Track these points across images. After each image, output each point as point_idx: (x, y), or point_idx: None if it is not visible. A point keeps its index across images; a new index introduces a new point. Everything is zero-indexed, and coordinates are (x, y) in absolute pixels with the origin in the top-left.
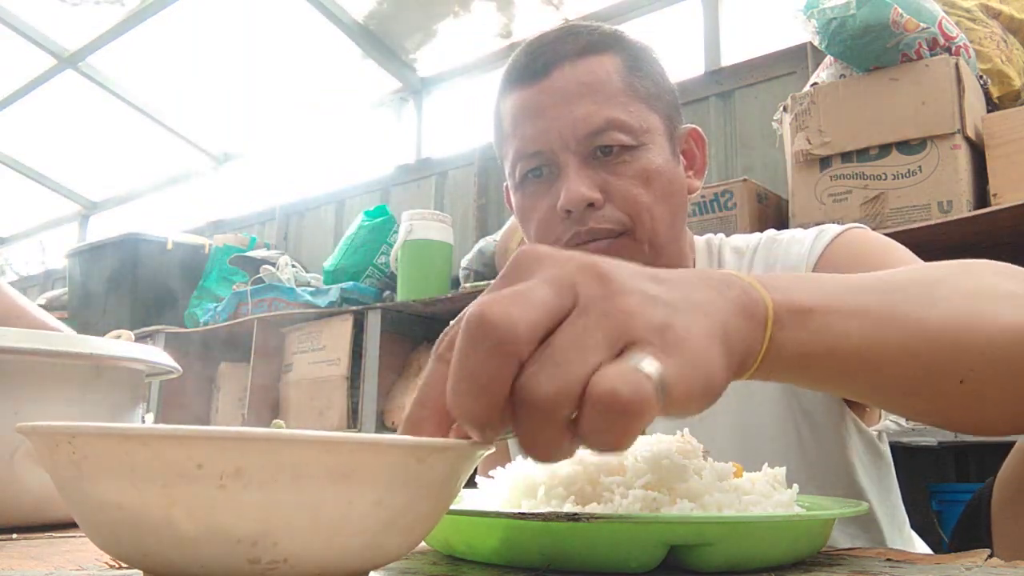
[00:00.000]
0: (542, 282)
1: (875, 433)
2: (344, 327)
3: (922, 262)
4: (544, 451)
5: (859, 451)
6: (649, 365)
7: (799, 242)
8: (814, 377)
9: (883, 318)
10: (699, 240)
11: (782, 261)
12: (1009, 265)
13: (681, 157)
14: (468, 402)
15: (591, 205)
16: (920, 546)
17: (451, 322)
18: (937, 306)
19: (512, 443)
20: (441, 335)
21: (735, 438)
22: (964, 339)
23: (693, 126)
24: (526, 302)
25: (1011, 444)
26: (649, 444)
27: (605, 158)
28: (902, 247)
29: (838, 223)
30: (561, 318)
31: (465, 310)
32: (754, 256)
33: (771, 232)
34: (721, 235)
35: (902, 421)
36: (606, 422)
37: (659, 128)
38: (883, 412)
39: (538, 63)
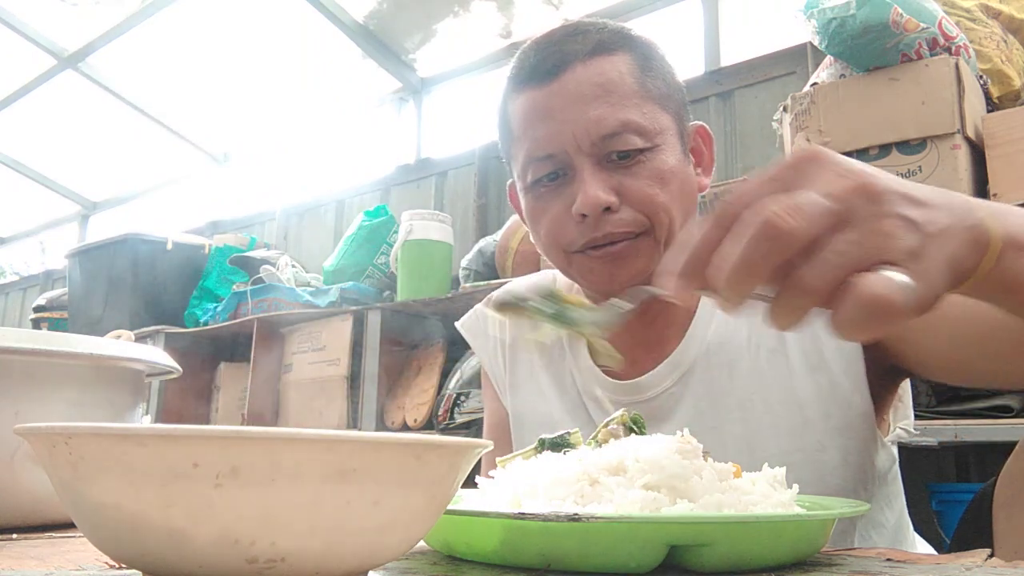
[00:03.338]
0: (822, 196)
1: (890, 444)
2: (344, 327)
3: None
4: (789, 323)
5: (880, 462)
6: (904, 279)
7: None
8: (1018, 300)
9: None
10: None
11: None
12: None
13: (690, 155)
14: (739, 276)
15: (607, 209)
16: (923, 549)
17: (733, 194)
18: None
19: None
20: (723, 206)
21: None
22: None
23: (700, 123)
24: (807, 217)
25: (1012, 444)
26: (649, 444)
27: (620, 161)
28: None
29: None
30: (832, 228)
31: (749, 192)
32: None
33: None
34: None
35: (911, 428)
36: (865, 314)
37: (671, 128)
38: (893, 422)
39: (548, 63)
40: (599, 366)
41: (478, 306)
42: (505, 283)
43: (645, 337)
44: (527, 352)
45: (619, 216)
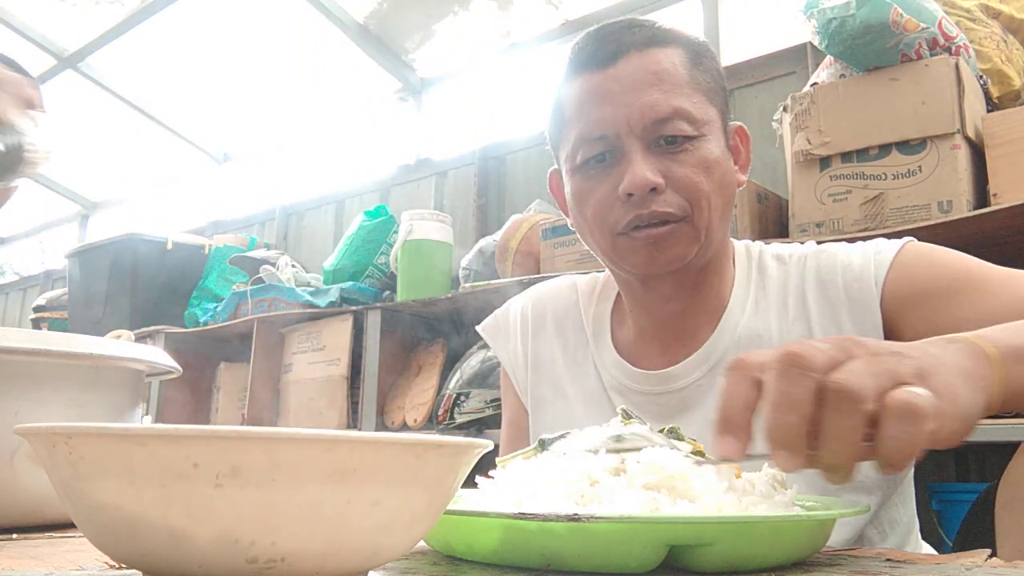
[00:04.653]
0: (823, 347)
1: None
2: (344, 327)
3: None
4: (845, 474)
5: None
6: (923, 391)
7: (857, 254)
8: None
9: None
10: (737, 244)
11: (842, 274)
12: None
13: (730, 152)
14: (783, 420)
15: (653, 190)
16: (925, 548)
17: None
18: None
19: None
20: (739, 366)
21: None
22: None
23: (739, 123)
24: (818, 352)
25: (1013, 444)
26: (649, 446)
27: (668, 146)
28: (963, 253)
29: (838, 223)
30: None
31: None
32: (805, 265)
33: (812, 244)
34: (760, 243)
35: None
36: (903, 424)
37: (716, 121)
38: None
39: (605, 51)
40: (624, 358)
41: (498, 310)
42: (506, 283)
43: (676, 328)
44: (548, 352)
45: (664, 198)
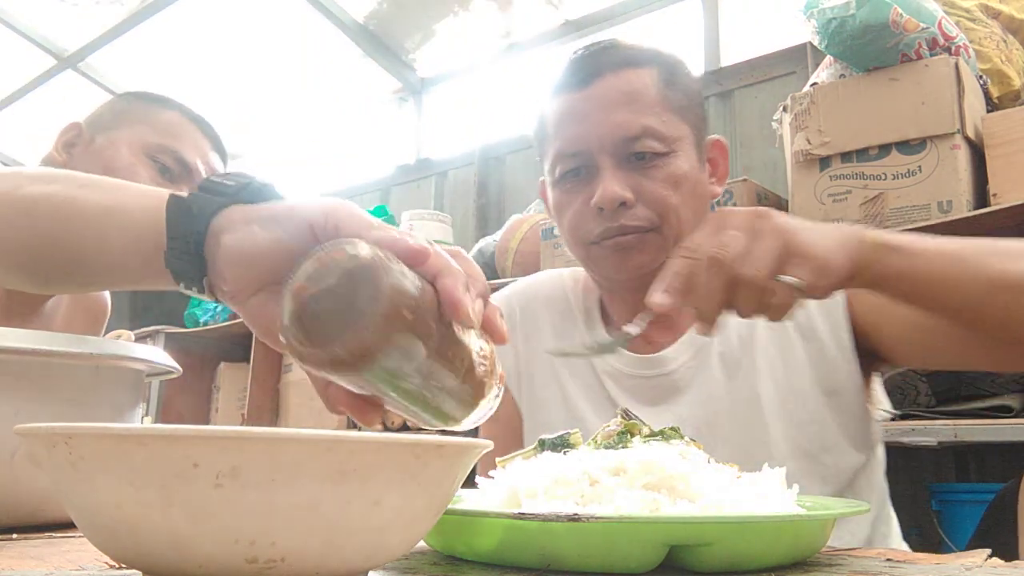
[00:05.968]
0: (736, 231)
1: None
2: None
3: None
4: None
5: (873, 429)
6: (796, 280)
7: None
8: (906, 291)
9: (956, 255)
10: None
11: None
12: None
13: (707, 165)
14: (704, 301)
15: (623, 204)
16: (897, 544)
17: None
18: (997, 255)
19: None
20: (690, 247)
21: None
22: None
23: (718, 137)
24: (729, 243)
25: (1012, 444)
26: (649, 445)
27: (638, 162)
28: None
29: (838, 223)
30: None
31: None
32: None
33: None
34: None
35: (890, 409)
36: (779, 311)
37: (688, 137)
38: (877, 402)
39: (583, 72)
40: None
41: None
42: (506, 283)
43: (661, 325)
44: (539, 341)
45: (633, 211)
